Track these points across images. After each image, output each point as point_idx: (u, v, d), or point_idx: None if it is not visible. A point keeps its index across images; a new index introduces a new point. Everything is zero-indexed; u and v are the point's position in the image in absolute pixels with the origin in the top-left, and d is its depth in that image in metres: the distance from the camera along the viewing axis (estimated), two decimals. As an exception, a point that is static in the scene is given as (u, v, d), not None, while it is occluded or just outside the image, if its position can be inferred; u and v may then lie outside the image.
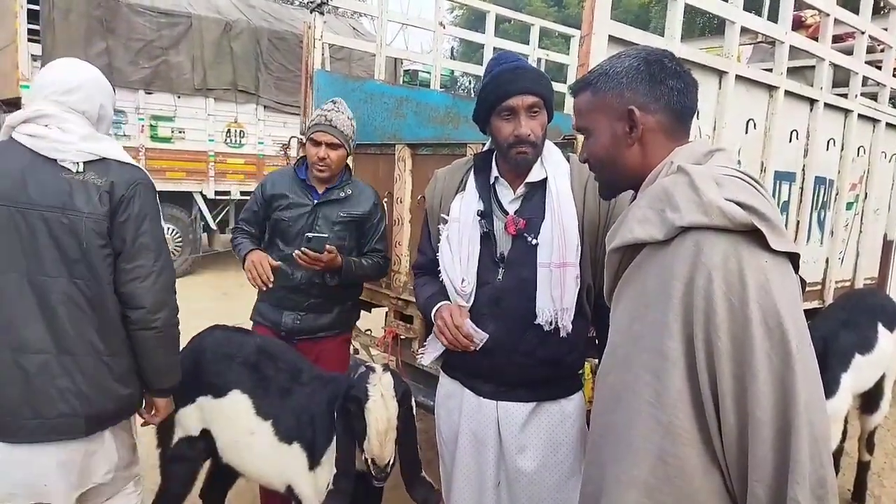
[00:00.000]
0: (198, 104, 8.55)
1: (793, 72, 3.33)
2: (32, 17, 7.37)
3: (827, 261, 3.74)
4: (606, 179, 1.36)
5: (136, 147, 7.79)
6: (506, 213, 1.83)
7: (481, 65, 5.28)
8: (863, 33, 3.63)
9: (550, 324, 1.76)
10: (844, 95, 3.64)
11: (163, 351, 1.88)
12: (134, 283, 1.79)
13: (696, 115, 1.32)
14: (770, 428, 0.98)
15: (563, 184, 1.80)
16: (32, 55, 7.41)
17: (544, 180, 1.81)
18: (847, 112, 3.60)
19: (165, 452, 2.37)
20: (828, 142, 3.53)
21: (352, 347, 4.12)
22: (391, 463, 1.91)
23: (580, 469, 1.72)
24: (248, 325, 2.76)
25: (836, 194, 3.70)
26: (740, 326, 1.00)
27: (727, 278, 1.01)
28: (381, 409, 1.87)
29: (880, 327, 3.18)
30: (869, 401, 3.30)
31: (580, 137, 2.09)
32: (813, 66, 3.50)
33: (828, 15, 3.36)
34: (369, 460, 1.89)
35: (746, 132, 2.98)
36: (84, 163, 1.75)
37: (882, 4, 4.39)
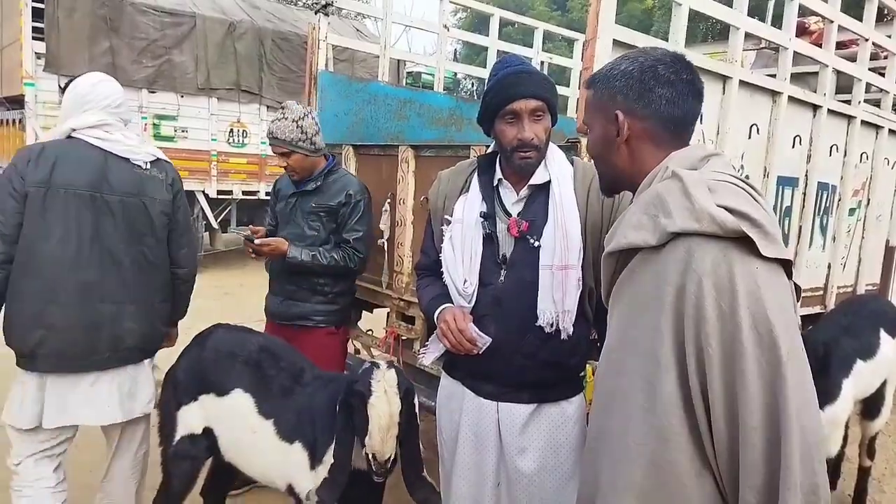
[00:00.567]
0: (201, 103, 8.58)
1: (796, 78, 3.34)
2: (37, 15, 7.39)
3: (829, 266, 3.75)
4: (602, 176, 1.39)
5: (139, 146, 7.80)
6: (509, 214, 1.84)
7: (485, 67, 5.30)
8: (866, 40, 3.63)
9: (552, 326, 1.77)
10: (848, 102, 3.64)
11: (187, 295, 2.59)
12: (182, 251, 2.47)
13: (698, 121, 1.32)
14: (760, 434, 0.98)
15: (566, 187, 1.80)
16: (36, 53, 7.42)
17: (547, 183, 1.81)
18: (850, 118, 3.60)
19: (168, 450, 2.37)
20: (831, 148, 3.54)
21: (352, 347, 4.13)
22: (392, 459, 1.92)
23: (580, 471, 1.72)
24: (251, 323, 2.78)
25: (839, 200, 3.70)
26: (730, 333, 1.00)
27: (717, 284, 1.01)
28: (383, 404, 1.88)
29: (882, 333, 3.17)
30: (870, 406, 3.29)
31: (583, 140, 2.10)
32: (816, 73, 3.50)
33: (832, 21, 3.36)
34: (370, 455, 1.90)
35: (749, 137, 2.99)
36: (149, 162, 2.34)
37: (886, 12, 4.40)
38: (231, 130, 8.93)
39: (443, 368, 2.03)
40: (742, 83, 2.83)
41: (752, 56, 5.53)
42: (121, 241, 2.26)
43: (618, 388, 1.17)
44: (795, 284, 1.11)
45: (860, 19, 3.62)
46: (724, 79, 2.76)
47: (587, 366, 2.02)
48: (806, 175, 3.39)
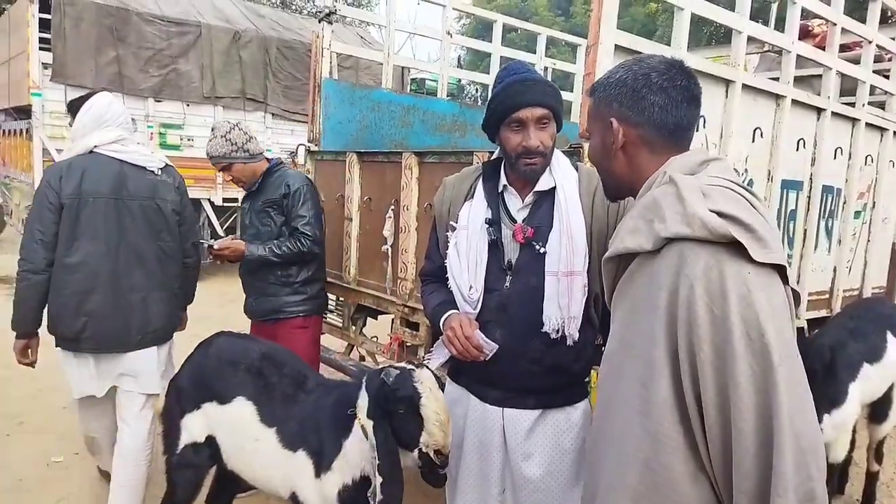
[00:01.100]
0: (206, 112, 8.59)
1: (800, 81, 3.33)
2: (44, 25, 7.43)
3: (835, 269, 3.73)
4: (604, 182, 1.41)
5: (145, 154, 7.84)
6: (514, 221, 1.84)
7: (488, 73, 5.31)
8: (870, 42, 3.62)
9: (557, 332, 1.76)
10: (852, 104, 3.63)
11: (195, 281, 3.09)
12: (190, 242, 2.91)
13: (696, 129, 1.32)
14: (752, 439, 0.98)
15: (571, 193, 1.80)
16: (43, 63, 7.46)
17: (553, 189, 1.81)
18: (854, 121, 3.59)
19: (171, 458, 2.38)
20: (835, 150, 3.53)
21: (357, 354, 4.13)
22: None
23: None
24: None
25: (844, 203, 3.69)
26: (722, 337, 1.00)
27: (709, 289, 1.01)
28: (435, 402, 1.88)
29: (889, 336, 3.15)
30: (878, 410, 3.26)
31: (586, 146, 2.10)
32: (820, 76, 3.49)
33: (835, 24, 3.36)
34: (431, 453, 1.89)
35: (753, 141, 2.98)
36: (160, 168, 2.73)
37: (889, 14, 4.40)
38: (237, 139, 8.95)
39: (447, 375, 2.03)
40: (745, 87, 2.83)
41: (755, 59, 5.52)
42: (142, 239, 2.67)
43: (616, 392, 1.17)
44: (794, 290, 1.10)
45: (864, 21, 3.61)
46: (728, 83, 2.76)
47: (592, 371, 2.01)
48: (810, 178, 3.38)
